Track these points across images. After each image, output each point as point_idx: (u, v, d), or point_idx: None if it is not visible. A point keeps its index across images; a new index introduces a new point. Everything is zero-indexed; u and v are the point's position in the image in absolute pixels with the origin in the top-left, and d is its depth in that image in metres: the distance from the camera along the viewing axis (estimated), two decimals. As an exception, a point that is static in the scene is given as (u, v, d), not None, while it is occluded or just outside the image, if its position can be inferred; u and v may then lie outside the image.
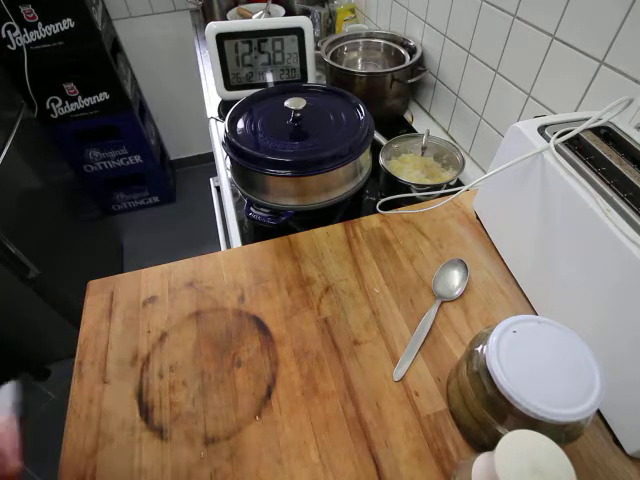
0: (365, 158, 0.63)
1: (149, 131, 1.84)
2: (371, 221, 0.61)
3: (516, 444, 0.26)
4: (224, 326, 0.49)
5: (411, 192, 0.67)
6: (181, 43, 1.75)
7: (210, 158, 2.15)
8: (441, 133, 0.91)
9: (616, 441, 0.38)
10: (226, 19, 1.28)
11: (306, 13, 1.24)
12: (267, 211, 0.59)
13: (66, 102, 1.51)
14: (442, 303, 0.50)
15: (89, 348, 0.47)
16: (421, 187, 0.66)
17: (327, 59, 0.91)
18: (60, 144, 1.55)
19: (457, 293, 0.51)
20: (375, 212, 0.62)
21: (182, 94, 1.92)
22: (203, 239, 1.79)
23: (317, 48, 0.97)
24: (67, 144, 1.62)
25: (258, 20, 0.98)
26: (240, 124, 0.62)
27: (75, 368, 0.45)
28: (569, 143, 0.44)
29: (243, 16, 1.26)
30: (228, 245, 0.73)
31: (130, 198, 1.97)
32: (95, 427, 0.41)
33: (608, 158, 0.41)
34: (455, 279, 0.52)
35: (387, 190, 0.70)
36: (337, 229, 0.60)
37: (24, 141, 1.22)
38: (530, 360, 0.32)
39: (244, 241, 0.67)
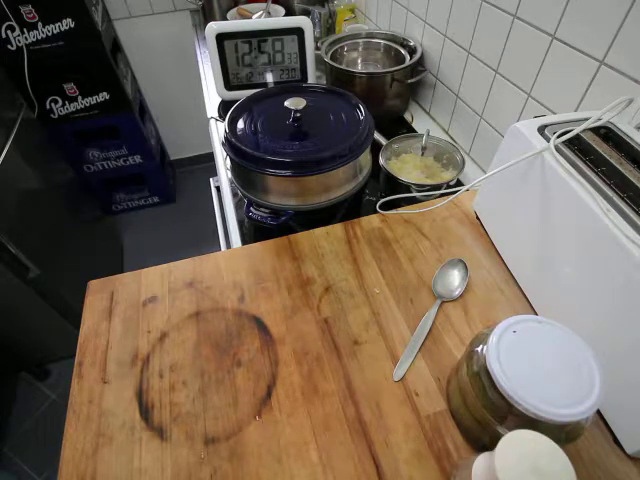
0: (365, 158, 0.63)
1: (149, 131, 1.84)
2: (371, 221, 0.61)
3: (516, 444, 0.26)
4: (224, 326, 0.49)
5: (411, 192, 0.67)
6: (181, 43, 1.75)
7: (210, 158, 2.14)
8: (441, 133, 0.91)
9: (616, 441, 0.38)
10: (226, 19, 1.28)
11: (306, 13, 1.24)
12: (267, 211, 0.59)
13: (66, 102, 1.51)
14: (442, 303, 0.50)
15: (89, 348, 0.47)
16: (421, 187, 0.66)
17: (327, 59, 0.91)
18: (60, 144, 1.55)
19: (457, 293, 0.51)
20: (375, 212, 0.62)
21: (182, 94, 1.92)
22: (203, 239, 1.79)
23: (317, 48, 0.97)
24: (67, 144, 1.62)
25: (258, 20, 0.99)
26: (240, 124, 0.62)
27: (75, 368, 0.45)
28: (569, 143, 0.44)
29: (243, 16, 1.26)
30: (228, 245, 0.73)
31: (130, 198, 1.97)
32: (95, 427, 0.41)
33: (608, 158, 0.41)
34: (455, 279, 0.52)
35: (387, 190, 0.70)
36: (337, 229, 0.60)
37: (24, 141, 1.22)
38: (530, 360, 0.32)
39: (244, 241, 0.67)
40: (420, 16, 0.90)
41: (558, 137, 0.43)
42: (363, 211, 0.71)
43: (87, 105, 1.55)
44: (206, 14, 1.38)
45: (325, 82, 0.99)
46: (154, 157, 1.84)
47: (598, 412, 0.40)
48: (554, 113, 0.59)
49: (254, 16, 1.21)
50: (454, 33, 0.79)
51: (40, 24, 1.30)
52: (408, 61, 0.88)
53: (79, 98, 1.52)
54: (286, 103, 0.59)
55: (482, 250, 0.56)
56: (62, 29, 1.34)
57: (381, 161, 0.70)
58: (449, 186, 0.66)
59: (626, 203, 0.37)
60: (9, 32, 1.29)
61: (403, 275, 0.54)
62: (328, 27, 1.26)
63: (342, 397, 0.42)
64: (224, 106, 0.98)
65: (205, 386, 0.43)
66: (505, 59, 0.67)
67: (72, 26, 1.34)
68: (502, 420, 0.33)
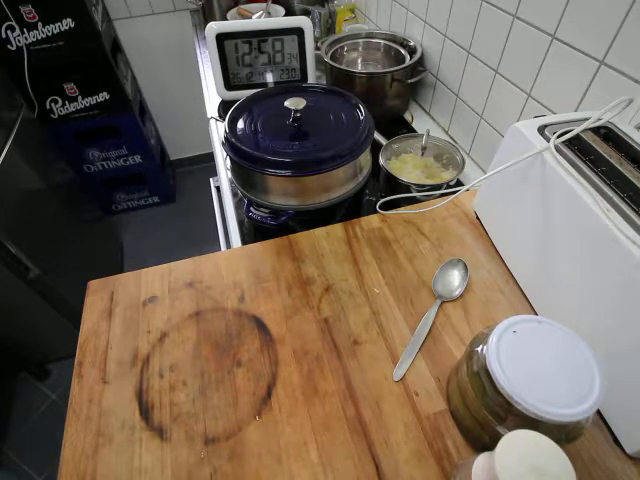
0: (365, 158, 0.62)
1: (149, 131, 1.84)
2: (371, 221, 0.61)
3: (516, 444, 0.26)
4: (224, 326, 0.49)
5: (411, 192, 0.67)
6: (181, 43, 1.75)
7: (210, 158, 2.14)
8: (441, 133, 0.91)
9: (616, 441, 0.38)
10: (226, 19, 1.28)
11: (306, 13, 1.24)
12: (267, 211, 0.59)
13: (66, 102, 1.51)
14: (442, 303, 0.50)
15: (89, 348, 0.47)
16: (421, 187, 0.66)
17: (327, 59, 0.91)
18: (60, 144, 1.55)
19: (457, 293, 0.51)
20: (375, 212, 0.62)
21: (182, 94, 1.92)
22: (203, 239, 1.79)
23: (317, 48, 0.97)
24: (67, 144, 1.62)
25: (258, 20, 0.99)
26: (240, 124, 0.62)
27: (75, 368, 0.45)
28: (569, 143, 0.44)
29: (243, 16, 1.26)
30: (228, 245, 0.73)
31: (130, 198, 1.97)
32: (95, 427, 0.41)
33: (608, 158, 0.41)
34: (455, 279, 0.52)
35: (387, 190, 0.70)
36: (337, 229, 0.60)
37: (24, 141, 1.22)
38: (530, 360, 0.32)
39: (244, 241, 0.67)
40: (420, 16, 0.90)
41: (558, 137, 0.43)
42: (363, 211, 0.71)
43: (87, 105, 1.55)
44: (206, 14, 1.38)
45: (325, 82, 0.99)
46: (154, 157, 1.84)
47: (598, 412, 0.40)
48: (554, 113, 0.59)
49: (254, 16, 1.21)
50: (454, 33, 0.79)
51: (40, 24, 1.30)
52: (408, 61, 0.88)
53: (79, 98, 1.52)
54: (286, 103, 0.59)
55: (482, 250, 0.56)
56: (62, 29, 1.34)
57: (381, 161, 0.70)
58: (449, 186, 0.66)
59: (626, 203, 0.37)
60: (9, 32, 1.29)
61: (403, 275, 0.54)
62: (328, 27, 1.26)
63: (342, 397, 0.42)
64: (224, 106, 0.98)
65: (205, 386, 0.43)
66: (505, 59, 0.67)
67: (72, 26, 1.34)
68: (502, 420, 0.33)
